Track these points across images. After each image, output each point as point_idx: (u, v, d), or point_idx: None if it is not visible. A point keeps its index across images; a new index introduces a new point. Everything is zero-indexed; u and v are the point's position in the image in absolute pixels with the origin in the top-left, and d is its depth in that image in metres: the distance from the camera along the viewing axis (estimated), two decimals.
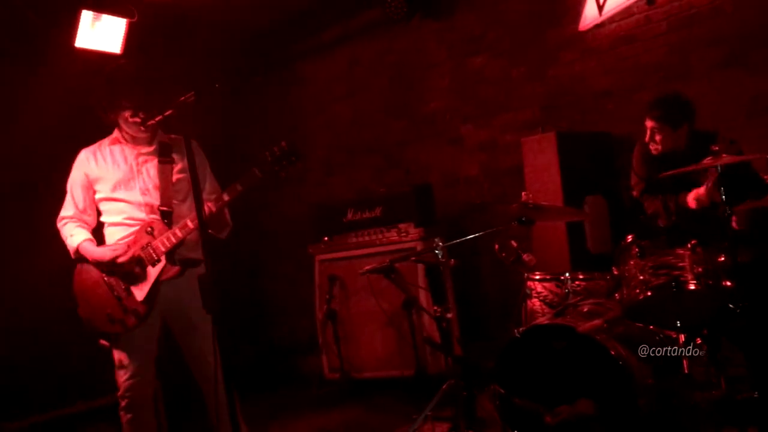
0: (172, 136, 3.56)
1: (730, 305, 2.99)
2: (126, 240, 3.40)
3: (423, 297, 4.98)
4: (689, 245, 3.03)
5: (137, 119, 3.32)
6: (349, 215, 5.62)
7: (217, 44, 6.13)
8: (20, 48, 4.88)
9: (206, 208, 3.22)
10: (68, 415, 4.88)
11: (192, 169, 2.75)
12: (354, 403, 5.18)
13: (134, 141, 3.50)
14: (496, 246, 3.91)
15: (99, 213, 3.55)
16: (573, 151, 4.70)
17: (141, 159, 3.49)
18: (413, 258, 4.42)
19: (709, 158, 3.03)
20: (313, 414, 5.08)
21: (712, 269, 3.02)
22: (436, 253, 3.87)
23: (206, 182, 3.59)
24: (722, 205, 3.00)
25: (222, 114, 6.32)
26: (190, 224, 3.32)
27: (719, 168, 2.93)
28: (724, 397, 3.18)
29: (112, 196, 3.46)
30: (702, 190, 3.51)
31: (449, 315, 3.64)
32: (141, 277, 3.35)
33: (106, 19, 4.86)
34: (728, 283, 3.04)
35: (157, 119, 3.08)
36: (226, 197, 3.33)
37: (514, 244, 3.89)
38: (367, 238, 5.48)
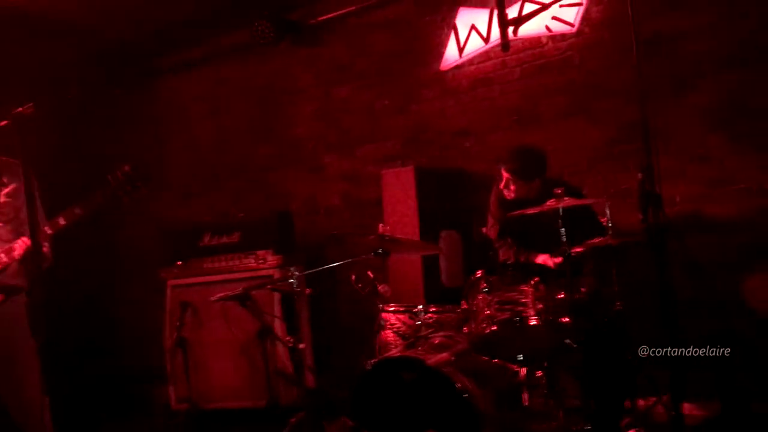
0: (3, 158, 3.31)
1: (567, 340, 3.16)
2: None
3: (278, 326, 4.89)
4: (532, 282, 3.18)
5: None
6: (206, 240, 5.46)
7: (72, 53, 5.83)
8: None
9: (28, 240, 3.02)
10: None
11: (29, 196, 2.58)
12: None
13: None
14: (353, 276, 3.93)
15: None
16: (430, 185, 4.84)
17: None
18: (269, 286, 4.34)
19: (552, 200, 3.21)
20: None
21: (552, 306, 3.18)
22: (291, 282, 3.84)
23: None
24: (563, 247, 3.21)
25: (72, 127, 6.00)
26: (16, 248, 3.10)
27: (561, 211, 3.10)
28: (561, 428, 3.34)
29: None
30: (549, 261, 3.71)
31: (301, 345, 3.60)
32: None
33: None
34: (566, 319, 3.21)
35: None
36: (62, 221, 3.14)
37: (370, 275, 3.92)
38: (223, 264, 5.34)
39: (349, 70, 5.65)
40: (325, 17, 5.59)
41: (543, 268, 3.48)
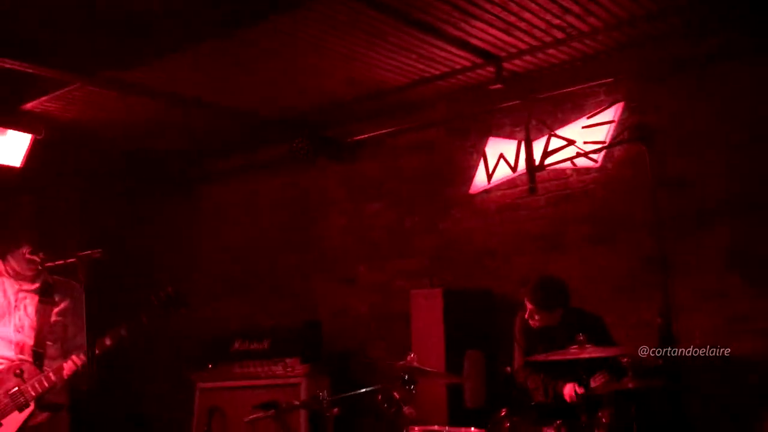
0: (56, 277, 3.52)
1: None
2: None
3: None
4: (555, 424, 3.31)
5: (35, 258, 3.31)
6: (236, 345, 5.64)
7: (115, 161, 6.20)
8: None
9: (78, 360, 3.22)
10: None
11: (88, 301, 2.85)
12: None
13: (17, 276, 3.44)
14: (379, 396, 4.06)
15: None
16: (457, 305, 5.02)
17: (21, 295, 3.43)
18: (298, 407, 4.48)
19: (575, 347, 3.37)
20: None
21: None
22: (321, 402, 3.99)
23: (83, 331, 3.58)
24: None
25: (113, 228, 6.30)
26: (65, 368, 3.29)
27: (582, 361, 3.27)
28: None
29: None
30: (572, 392, 3.85)
31: None
32: (3, 426, 3.21)
33: (11, 134, 4.84)
34: None
35: (57, 263, 3.12)
36: (108, 341, 3.34)
37: (396, 395, 4.04)
38: (252, 370, 5.49)
39: (381, 187, 5.93)
40: (360, 137, 5.91)
41: (565, 409, 3.59)
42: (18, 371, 3.27)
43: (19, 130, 4.84)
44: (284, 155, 6.11)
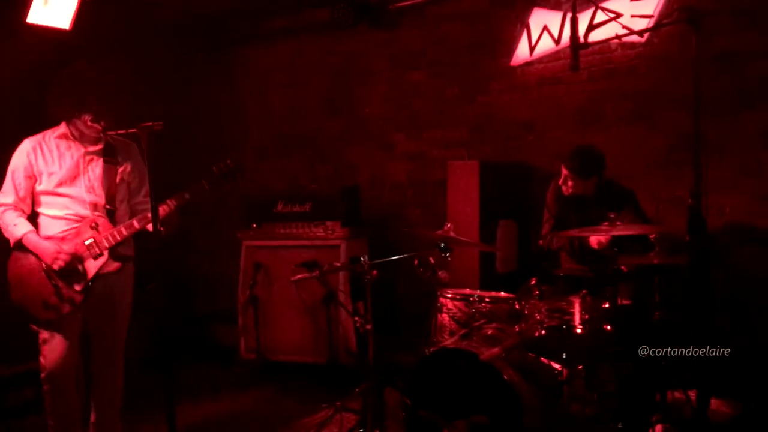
0: (117, 138, 3.65)
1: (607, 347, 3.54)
2: (68, 233, 3.53)
3: (343, 298, 5.36)
4: (581, 293, 3.55)
5: (98, 125, 3.47)
6: (280, 207, 5.89)
7: (162, 24, 6.22)
8: None
9: (160, 210, 3.48)
10: None
11: (151, 168, 3.11)
12: (267, 383, 5.48)
13: (81, 138, 3.59)
14: (416, 261, 4.33)
15: (34, 203, 3.60)
16: (492, 177, 5.17)
17: (87, 157, 3.60)
18: (340, 268, 4.77)
19: (605, 223, 3.54)
20: (226, 394, 5.32)
21: (597, 316, 3.55)
22: (362, 265, 4.26)
23: (144, 187, 3.81)
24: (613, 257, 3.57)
25: (162, 94, 6.44)
26: (136, 224, 3.56)
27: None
28: (597, 411, 3.74)
29: (56, 191, 3.54)
30: (602, 239, 4.03)
31: (368, 326, 4.01)
32: (81, 269, 3.51)
33: None
34: (608, 327, 3.58)
35: (119, 132, 3.31)
36: (173, 203, 3.58)
37: (431, 260, 4.32)
38: (294, 231, 5.77)
39: (423, 56, 5.92)
40: (402, 4, 5.84)
41: (591, 281, 3.80)
42: (93, 224, 3.53)
43: None
44: (326, 20, 6.09)
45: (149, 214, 3.45)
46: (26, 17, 4.76)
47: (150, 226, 3.48)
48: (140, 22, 5.96)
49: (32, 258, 3.49)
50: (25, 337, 3.71)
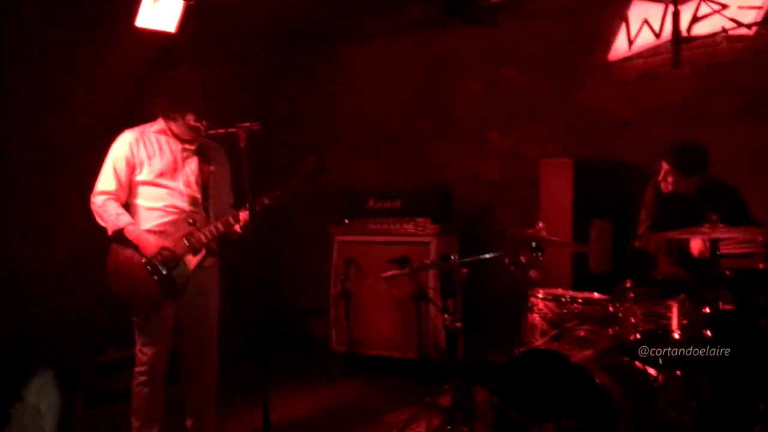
0: (208, 141, 3.79)
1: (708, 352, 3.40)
2: (166, 226, 3.64)
3: (432, 295, 5.37)
4: (680, 298, 3.42)
5: (198, 125, 3.61)
6: (371, 203, 5.97)
7: (260, 25, 6.41)
8: (81, 22, 5.18)
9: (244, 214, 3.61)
10: None
11: (248, 167, 3.20)
12: (357, 376, 5.59)
13: (179, 136, 3.72)
14: (507, 260, 4.29)
15: (131, 194, 3.69)
16: (587, 175, 5.06)
17: (184, 153, 3.73)
18: (430, 266, 4.78)
19: (706, 225, 3.40)
20: (316, 386, 5.45)
21: (696, 321, 3.42)
22: (452, 264, 4.26)
23: (228, 190, 3.96)
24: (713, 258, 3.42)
25: (262, 93, 6.64)
26: (231, 221, 3.68)
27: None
28: (694, 418, 3.61)
29: (156, 182, 3.64)
30: (701, 245, 3.87)
31: (458, 324, 4.01)
32: (180, 264, 3.62)
33: (166, 0, 5.12)
34: (708, 333, 3.44)
35: (219, 132, 3.44)
36: (266, 200, 3.68)
37: (523, 259, 4.27)
38: (385, 227, 5.83)
39: (516, 52, 5.85)
40: (495, 0, 5.78)
41: (690, 284, 3.66)
42: (191, 220, 3.66)
43: None
44: (420, 17, 6.11)
45: (240, 213, 3.59)
46: (135, 21, 5.01)
47: (238, 227, 3.64)
48: (238, 25, 6.16)
49: (131, 250, 3.55)
50: (125, 325, 3.83)
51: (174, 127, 3.70)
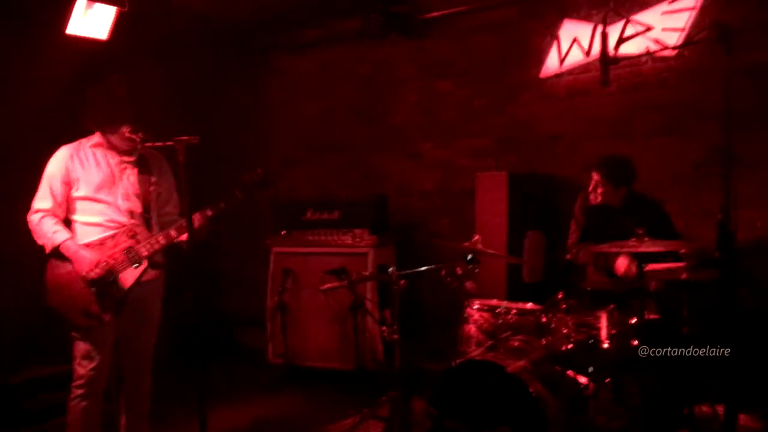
0: (148, 150, 3.72)
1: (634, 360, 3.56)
2: (105, 240, 3.58)
3: (370, 306, 5.41)
4: (609, 308, 3.57)
5: (134, 137, 3.55)
6: (308, 214, 5.95)
7: (194, 33, 6.34)
8: (11, 25, 5.02)
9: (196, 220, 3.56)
10: None
11: (186, 181, 3.13)
12: (294, 388, 5.55)
13: (116, 148, 3.65)
14: (443, 271, 4.37)
15: (69, 211, 3.62)
16: (521, 188, 5.20)
17: (122, 165, 3.66)
18: (369, 278, 4.82)
19: (633, 239, 3.55)
20: (254, 398, 5.38)
21: (624, 330, 3.56)
22: (389, 275, 4.30)
23: (173, 199, 3.90)
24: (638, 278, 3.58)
25: (195, 101, 6.55)
26: (173, 233, 3.63)
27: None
28: (623, 423, 3.75)
29: (93, 197, 3.57)
30: (626, 265, 4.03)
31: (395, 336, 4.06)
32: (120, 277, 3.55)
33: (98, 6, 5.02)
34: (635, 342, 3.60)
35: (155, 145, 3.39)
36: (209, 212, 3.65)
37: (459, 271, 4.35)
38: (323, 238, 5.82)
39: (451, 66, 5.97)
40: (432, 15, 5.88)
41: (618, 295, 3.82)
42: (132, 233, 3.59)
43: (104, 2, 5.00)
44: (357, 29, 6.14)
45: (184, 223, 3.54)
46: (65, 28, 4.89)
47: (184, 237, 3.58)
48: (173, 32, 6.08)
49: (70, 266, 3.52)
50: (57, 340, 3.74)
51: (113, 139, 3.63)
